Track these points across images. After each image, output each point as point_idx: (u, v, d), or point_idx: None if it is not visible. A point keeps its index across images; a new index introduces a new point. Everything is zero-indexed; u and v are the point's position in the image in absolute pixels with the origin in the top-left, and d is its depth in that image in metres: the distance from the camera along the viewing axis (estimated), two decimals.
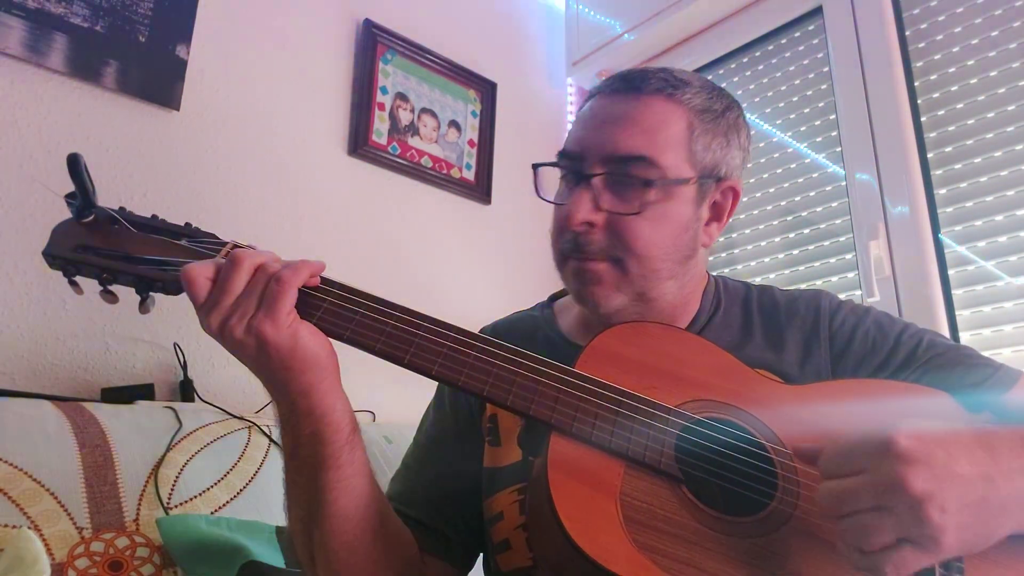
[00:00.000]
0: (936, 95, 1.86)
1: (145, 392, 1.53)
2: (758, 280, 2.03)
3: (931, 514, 0.60)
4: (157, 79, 1.70)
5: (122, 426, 1.30)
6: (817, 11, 2.14)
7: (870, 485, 0.63)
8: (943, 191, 1.81)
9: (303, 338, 0.78)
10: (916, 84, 1.90)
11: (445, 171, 2.26)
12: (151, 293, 0.84)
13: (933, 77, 1.87)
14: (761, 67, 2.29)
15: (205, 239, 0.86)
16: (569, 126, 2.02)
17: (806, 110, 2.14)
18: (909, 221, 1.82)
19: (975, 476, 0.63)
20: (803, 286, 2.00)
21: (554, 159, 0.99)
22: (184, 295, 0.79)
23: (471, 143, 2.35)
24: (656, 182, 0.91)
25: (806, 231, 2.08)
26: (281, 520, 1.25)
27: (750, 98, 2.28)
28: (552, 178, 1.02)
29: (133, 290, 0.83)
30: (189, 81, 1.76)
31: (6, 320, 1.44)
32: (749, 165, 2.20)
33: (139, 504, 1.22)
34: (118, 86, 1.64)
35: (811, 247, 2.06)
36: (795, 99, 2.17)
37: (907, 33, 1.94)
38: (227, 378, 1.70)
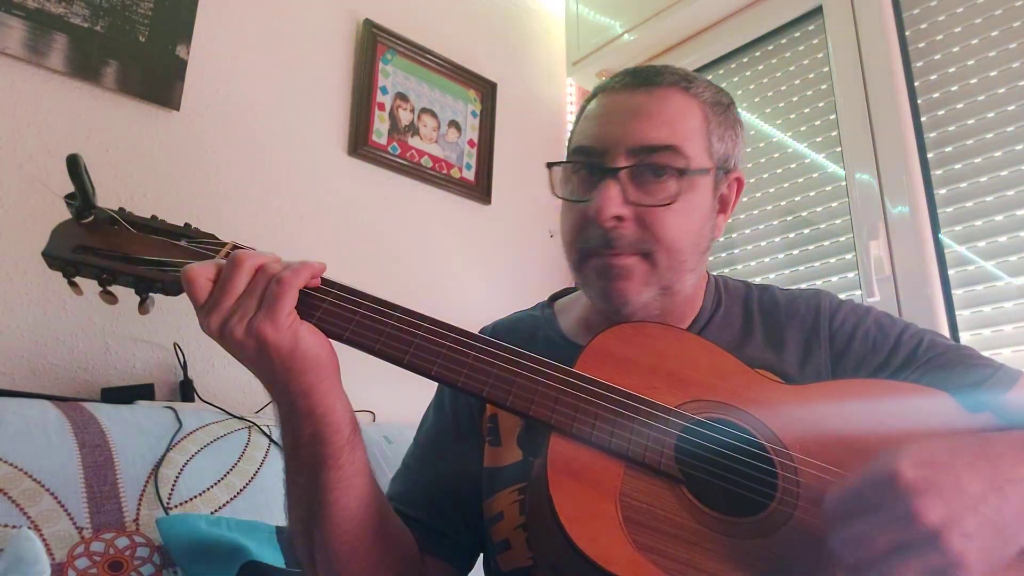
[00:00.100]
0: (936, 95, 1.86)
1: (145, 392, 1.53)
2: (758, 280, 2.03)
3: (953, 543, 0.60)
4: (157, 79, 1.70)
5: (122, 426, 1.30)
6: (817, 11, 2.14)
7: (885, 525, 0.62)
8: (943, 191, 1.81)
9: (303, 339, 0.77)
10: (916, 84, 1.90)
11: (445, 171, 2.26)
12: (151, 294, 0.84)
13: (933, 77, 1.87)
14: (761, 67, 2.29)
15: (205, 240, 0.86)
16: (569, 126, 2.02)
17: (806, 110, 2.14)
18: (909, 221, 1.82)
19: (986, 491, 0.63)
20: (803, 286, 1.99)
21: (558, 158, 0.99)
22: (184, 295, 0.79)
23: (471, 143, 2.35)
24: (688, 171, 0.91)
25: (806, 231, 2.08)
26: (281, 520, 1.26)
27: (750, 98, 2.28)
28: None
29: (133, 291, 0.83)
30: (189, 81, 1.76)
31: (6, 320, 1.44)
32: (749, 165, 2.22)
33: (139, 504, 1.22)
34: (118, 86, 1.64)
35: (811, 247, 2.06)
36: (795, 99, 2.17)
37: (907, 33, 1.94)
38: (227, 378, 1.70)
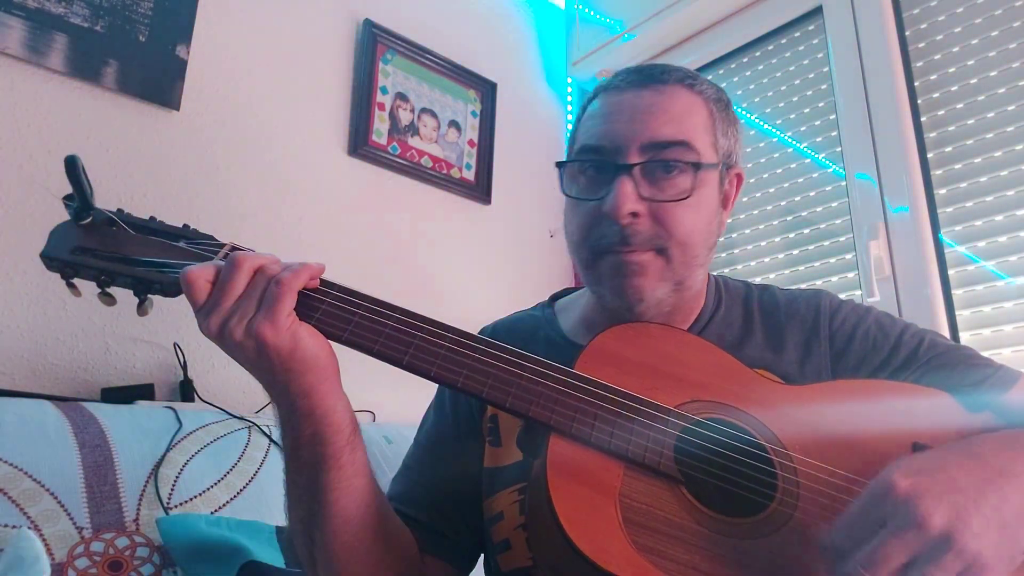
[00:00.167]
0: (936, 95, 1.86)
1: (145, 392, 1.53)
2: (758, 280, 2.03)
3: (968, 544, 0.61)
4: (157, 79, 1.70)
5: (122, 426, 1.30)
6: (817, 11, 2.14)
7: (897, 537, 0.62)
8: (943, 191, 1.81)
9: (303, 340, 0.77)
10: (916, 84, 1.90)
11: (445, 171, 2.26)
12: (149, 295, 0.84)
13: (933, 77, 1.87)
14: (761, 67, 2.29)
15: (203, 241, 0.86)
16: (569, 126, 2.02)
17: (806, 110, 2.14)
18: (909, 221, 1.82)
19: (980, 486, 0.64)
20: (803, 286, 2.00)
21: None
22: (183, 296, 0.79)
23: (471, 143, 2.35)
24: (702, 165, 0.92)
25: (806, 231, 2.08)
26: (281, 520, 1.26)
27: (750, 98, 2.28)
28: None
29: (131, 292, 0.83)
30: (189, 81, 1.76)
31: (6, 320, 1.44)
32: (749, 165, 2.22)
33: (139, 504, 1.22)
34: (118, 86, 1.64)
35: (811, 247, 2.06)
36: (795, 99, 2.17)
37: (907, 33, 1.94)
38: (227, 378, 1.70)
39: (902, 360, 0.93)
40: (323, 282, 0.83)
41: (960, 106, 1.81)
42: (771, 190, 2.18)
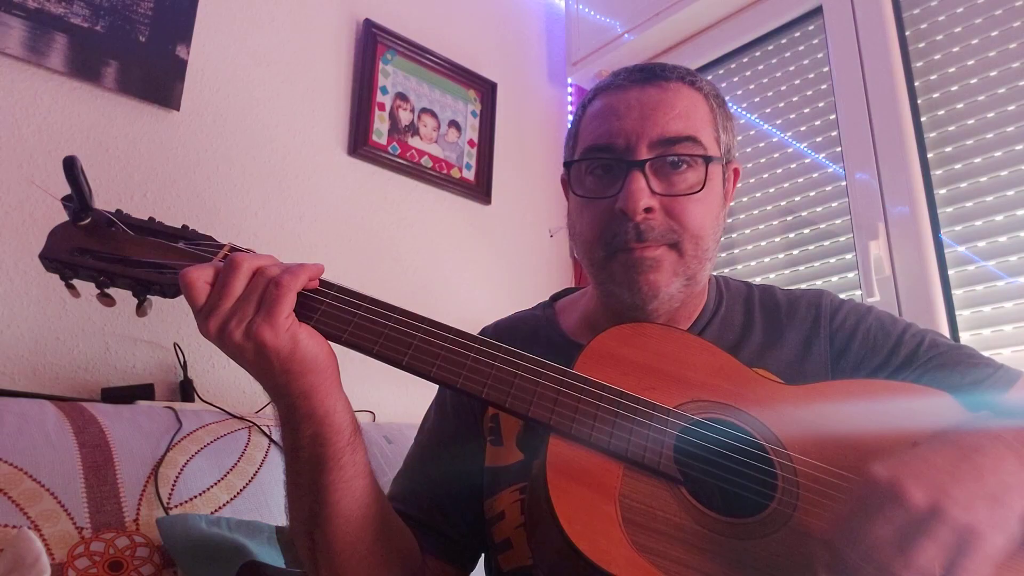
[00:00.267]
0: (936, 95, 1.86)
1: (145, 392, 1.53)
2: (758, 280, 2.03)
3: (956, 515, 0.61)
4: (157, 79, 1.70)
5: (122, 426, 1.30)
6: (817, 11, 2.14)
7: (883, 520, 0.62)
8: (943, 191, 1.81)
9: (302, 341, 0.77)
10: (916, 84, 1.90)
11: (445, 171, 2.26)
12: (148, 296, 0.84)
13: (933, 77, 1.87)
14: (761, 67, 2.29)
15: (202, 241, 0.86)
16: (568, 126, 2.02)
17: (806, 110, 2.14)
18: (909, 221, 1.82)
19: (956, 463, 0.66)
20: (803, 286, 2.00)
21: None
22: (182, 297, 0.79)
23: (471, 143, 2.35)
24: (712, 159, 0.94)
25: (806, 231, 2.08)
26: (281, 520, 1.26)
27: (750, 98, 2.28)
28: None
29: (130, 293, 0.83)
30: (189, 81, 1.76)
31: (6, 320, 1.44)
32: (749, 165, 2.22)
33: (139, 504, 1.22)
34: (118, 86, 1.64)
35: (811, 247, 2.06)
36: (795, 99, 2.17)
37: (907, 33, 1.94)
38: (227, 378, 1.70)
39: (902, 360, 0.93)
40: (322, 283, 0.83)
41: (960, 106, 1.81)
42: (771, 190, 2.17)
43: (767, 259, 2.16)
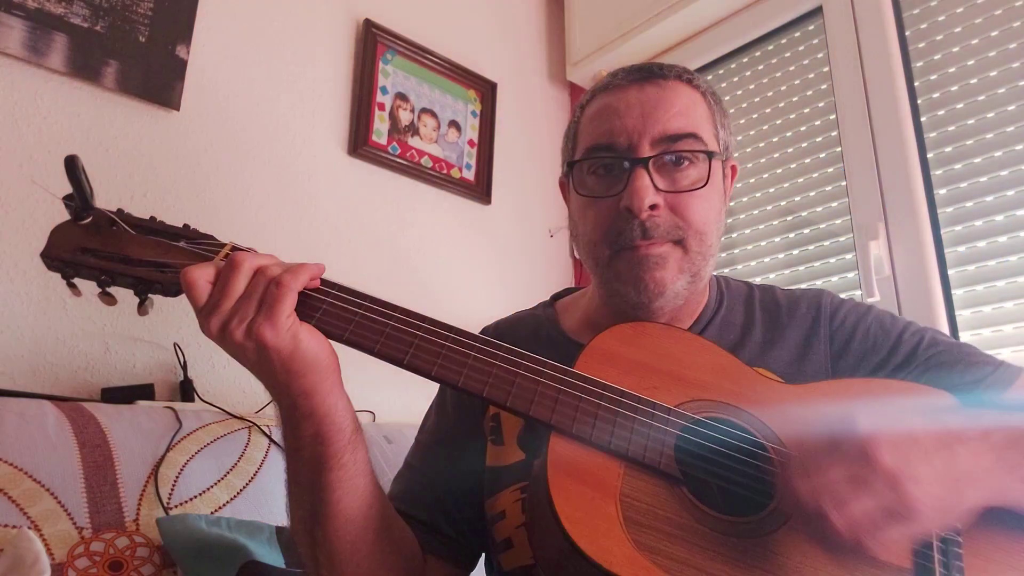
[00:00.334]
0: (936, 95, 1.86)
1: (145, 392, 1.53)
2: (758, 280, 2.04)
3: (909, 489, 0.63)
4: (157, 79, 1.70)
5: (122, 426, 1.30)
6: (817, 11, 2.14)
7: (846, 459, 0.65)
8: (943, 191, 1.81)
9: (303, 341, 0.77)
10: (916, 84, 1.90)
11: (445, 171, 2.26)
12: (150, 295, 0.84)
13: (933, 77, 1.87)
14: (761, 67, 2.28)
15: (203, 240, 0.86)
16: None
17: (806, 110, 2.14)
18: (909, 221, 1.82)
19: (937, 446, 0.67)
20: (803, 286, 2.00)
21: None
22: (183, 296, 0.79)
23: (471, 143, 2.35)
24: (715, 154, 0.95)
25: (806, 231, 2.08)
26: (281, 520, 1.26)
27: (750, 98, 2.28)
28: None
29: (132, 292, 0.83)
30: (189, 81, 1.76)
31: (6, 320, 1.44)
32: (749, 165, 2.22)
33: (139, 504, 1.22)
34: (118, 86, 1.64)
35: (811, 247, 2.06)
36: (795, 99, 2.17)
37: (907, 33, 1.94)
38: (227, 378, 1.70)
39: (902, 358, 0.93)
40: (323, 282, 0.83)
41: (960, 106, 1.81)
42: (771, 190, 2.17)
43: (767, 259, 2.16)
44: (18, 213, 1.48)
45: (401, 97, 2.19)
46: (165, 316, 1.62)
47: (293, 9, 2.02)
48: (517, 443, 0.97)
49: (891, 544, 0.63)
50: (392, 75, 2.18)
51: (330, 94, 2.08)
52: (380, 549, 0.86)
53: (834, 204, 2.03)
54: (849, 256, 1.96)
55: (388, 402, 1.83)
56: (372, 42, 2.14)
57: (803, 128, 2.14)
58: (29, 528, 1.08)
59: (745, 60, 2.33)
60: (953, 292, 1.75)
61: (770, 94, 2.23)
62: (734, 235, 2.24)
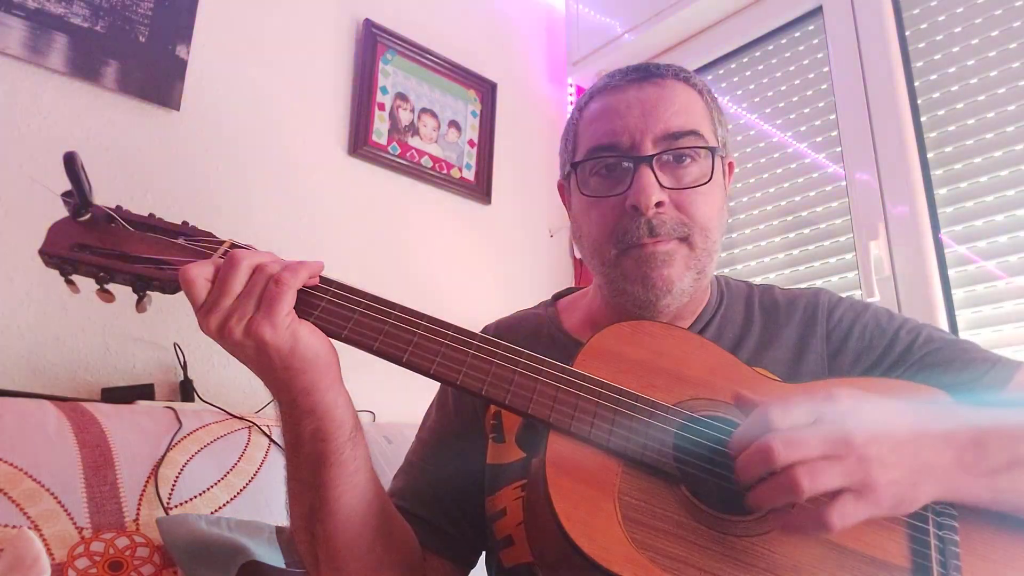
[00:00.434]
0: (936, 95, 1.86)
1: (145, 392, 1.53)
2: (758, 280, 2.03)
3: (873, 469, 0.65)
4: (157, 79, 1.70)
5: (122, 426, 1.29)
6: (817, 11, 2.14)
7: (819, 434, 0.66)
8: (943, 191, 1.81)
9: (303, 338, 0.77)
10: (916, 84, 1.90)
11: (445, 171, 2.26)
12: (148, 292, 0.84)
13: (933, 77, 1.87)
14: (761, 67, 2.29)
15: (202, 238, 0.86)
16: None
17: (806, 110, 2.14)
18: (909, 221, 1.82)
19: (908, 437, 0.69)
20: (803, 286, 2.00)
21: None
22: (181, 293, 0.79)
23: (471, 143, 2.36)
24: (717, 150, 0.96)
25: (806, 231, 2.08)
26: (281, 520, 1.26)
27: (750, 98, 2.28)
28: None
29: (130, 289, 0.83)
30: (189, 81, 1.76)
31: (6, 320, 1.44)
32: (749, 165, 2.21)
33: (139, 504, 1.22)
34: (118, 86, 1.64)
35: (811, 247, 2.06)
36: (795, 99, 2.17)
37: (907, 33, 1.94)
38: (227, 378, 1.70)
39: (897, 356, 0.93)
40: (322, 279, 0.83)
41: (960, 106, 1.81)
42: (771, 190, 2.17)
43: (767, 259, 2.16)
44: (18, 213, 1.48)
45: (401, 97, 2.19)
46: (165, 316, 1.62)
47: (293, 9, 2.02)
48: (516, 442, 0.97)
49: (848, 520, 0.64)
50: (392, 75, 2.18)
51: (330, 94, 2.08)
52: (379, 546, 0.86)
53: (834, 204, 2.03)
54: (849, 256, 1.96)
55: (388, 402, 1.83)
56: (372, 42, 2.14)
57: (803, 128, 2.14)
58: (29, 528, 1.08)
59: (745, 60, 2.34)
60: (953, 292, 1.75)
61: (770, 94, 2.23)
62: (734, 235, 2.24)
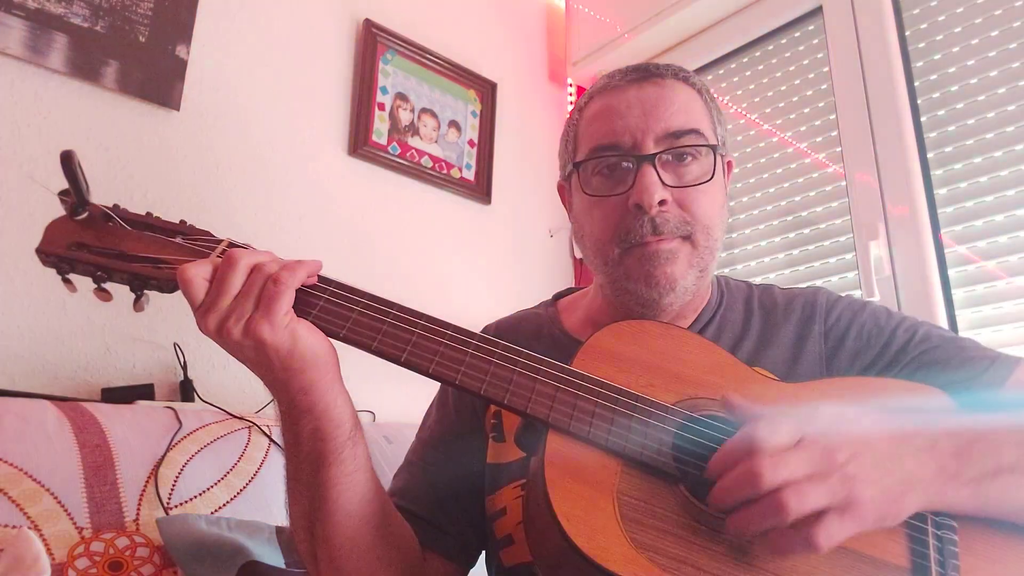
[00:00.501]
0: (936, 95, 1.86)
1: (145, 392, 1.53)
2: (758, 280, 2.03)
3: (856, 486, 0.65)
4: (157, 79, 1.70)
5: (122, 426, 1.29)
6: (817, 11, 2.14)
7: (803, 455, 0.66)
8: (943, 191, 1.81)
9: (302, 338, 0.77)
10: (916, 84, 1.90)
11: (445, 171, 2.26)
12: (146, 291, 0.83)
13: (933, 77, 1.87)
14: (761, 67, 2.29)
15: (200, 237, 0.86)
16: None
17: (806, 110, 2.14)
18: (909, 221, 1.82)
19: (890, 452, 0.69)
20: (803, 286, 2.00)
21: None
22: (179, 293, 0.79)
23: (471, 143, 2.35)
24: (718, 148, 0.97)
25: (806, 231, 2.08)
26: (281, 520, 1.26)
27: (750, 98, 2.28)
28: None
29: (127, 288, 0.83)
30: (189, 81, 1.76)
31: (6, 320, 1.44)
32: (749, 165, 2.21)
33: (139, 504, 1.22)
34: (118, 86, 1.64)
35: (811, 247, 2.06)
36: (795, 99, 2.17)
37: (907, 33, 1.94)
38: (227, 378, 1.70)
39: (893, 354, 0.93)
40: (320, 279, 0.83)
41: (960, 106, 1.81)
42: (771, 190, 2.17)
43: (767, 259, 2.16)
44: (18, 213, 1.48)
45: (401, 97, 2.19)
46: (165, 316, 1.62)
47: (293, 9, 2.02)
48: (515, 441, 0.97)
49: (834, 540, 0.65)
50: (392, 75, 2.18)
51: (330, 94, 2.08)
52: (379, 544, 0.86)
53: (834, 204, 2.03)
54: (849, 256, 1.96)
55: (388, 402, 1.83)
56: (372, 42, 2.14)
57: (803, 128, 2.14)
58: (29, 528, 1.08)
59: (745, 60, 2.34)
60: (953, 292, 1.75)
61: (770, 94, 2.23)
62: (734, 235, 2.24)
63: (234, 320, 0.76)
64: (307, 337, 0.78)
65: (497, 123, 2.45)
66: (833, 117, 2.05)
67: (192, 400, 1.59)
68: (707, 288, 1.05)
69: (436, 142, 2.25)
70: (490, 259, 2.37)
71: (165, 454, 1.29)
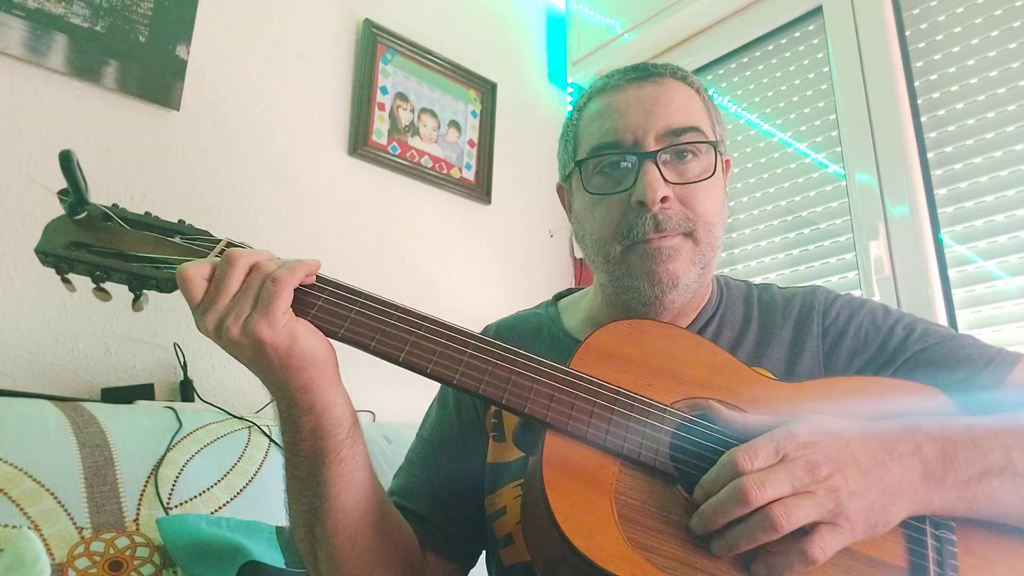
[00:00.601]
0: (936, 95, 1.86)
1: (145, 392, 1.53)
2: (758, 280, 2.03)
3: (842, 498, 0.67)
4: (157, 79, 1.70)
5: (122, 426, 1.29)
6: (817, 11, 2.14)
7: (787, 471, 0.67)
8: (943, 191, 1.81)
9: (300, 337, 0.77)
10: (916, 84, 1.90)
11: (445, 171, 2.26)
12: (144, 291, 0.83)
13: (933, 77, 1.87)
14: (761, 67, 2.29)
15: (198, 236, 0.86)
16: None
17: (806, 110, 2.14)
18: (909, 221, 1.82)
19: (874, 460, 0.70)
20: (802, 285, 2.00)
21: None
22: (178, 293, 0.79)
23: (471, 143, 2.36)
24: (719, 144, 0.98)
25: (806, 231, 2.08)
26: (281, 520, 1.26)
27: (750, 98, 2.28)
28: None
29: (126, 288, 0.83)
30: (189, 81, 1.76)
31: (6, 320, 1.44)
32: (749, 165, 2.21)
33: (139, 504, 1.22)
34: (118, 86, 1.64)
35: (811, 247, 2.06)
36: (795, 99, 2.17)
37: (907, 33, 1.94)
38: (227, 378, 1.70)
39: (891, 353, 0.93)
40: (319, 278, 0.83)
41: (960, 106, 1.81)
42: (771, 190, 2.17)
43: (767, 259, 2.16)
44: (18, 213, 1.48)
45: (401, 97, 2.19)
46: (165, 316, 1.63)
47: (293, 9, 2.02)
48: (513, 441, 0.97)
49: (829, 551, 0.66)
50: (392, 75, 2.18)
51: (330, 94, 2.08)
52: (378, 544, 0.86)
53: (834, 204, 2.03)
54: (849, 256, 1.96)
55: (388, 402, 1.84)
56: (372, 42, 2.14)
57: (803, 128, 2.14)
58: (29, 528, 1.08)
59: (745, 60, 2.33)
60: (953, 292, 1.75)
61: (770, 94, 2.23)
62: (734, 235, 2.24)
63: (233, 319, 0.76)
64: (306, 336, 0.78)
65: (497, 123, 2.45)
66: (833, 117, 2.05)
67: (192, 400, 1.59)
68: (707, 287, 1.05)
69: (436, 142, 2.25)
70: (490, 259, 2.37)
71: (165, 454, 1.29)
